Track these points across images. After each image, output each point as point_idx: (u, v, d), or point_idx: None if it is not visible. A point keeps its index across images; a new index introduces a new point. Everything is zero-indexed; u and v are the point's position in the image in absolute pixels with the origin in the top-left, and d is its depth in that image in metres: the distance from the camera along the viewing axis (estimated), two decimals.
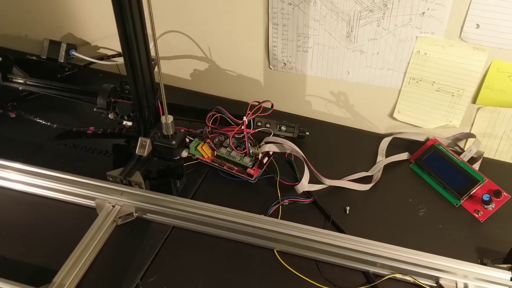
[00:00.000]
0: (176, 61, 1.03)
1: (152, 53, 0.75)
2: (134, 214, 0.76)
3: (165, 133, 0.80)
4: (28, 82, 0.95)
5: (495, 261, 0.69)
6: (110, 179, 0.79)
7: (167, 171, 0.84)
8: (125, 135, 0.91)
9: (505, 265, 0.67)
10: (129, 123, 0.86)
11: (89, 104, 0.91)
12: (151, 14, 0.67)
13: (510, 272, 0.66)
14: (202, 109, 0.89)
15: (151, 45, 0.75)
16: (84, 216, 0.75)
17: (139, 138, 0.82)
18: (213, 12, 0.93)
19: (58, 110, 0.97)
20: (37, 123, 0.91)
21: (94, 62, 1.03)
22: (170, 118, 0.78)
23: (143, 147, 0.82)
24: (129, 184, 0.78)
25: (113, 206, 0.75)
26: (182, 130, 0.83)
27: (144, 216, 0.76)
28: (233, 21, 0.92)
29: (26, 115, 0.92)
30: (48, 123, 0.91)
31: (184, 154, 0.83)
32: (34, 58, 1.03)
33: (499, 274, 0.66)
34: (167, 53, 1.02)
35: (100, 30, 1.05)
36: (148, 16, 0.68)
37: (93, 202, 0.76)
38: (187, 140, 0.86)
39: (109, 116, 0.86)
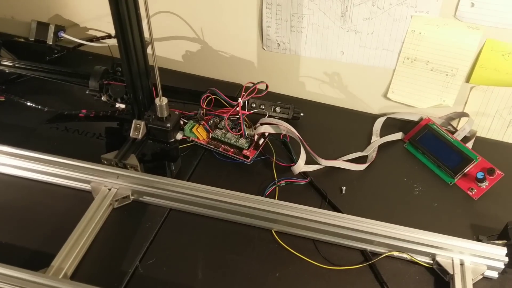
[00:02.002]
0: (168, 43, 1.01)
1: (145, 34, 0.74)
2: (131, 197, 0.75)
3: (159, 116, 0.79)
4: (17, 65, 0.93)
5: (490, 238, 0.70)
6: (105, 162, 0.78)
7: (162, 154, 0.83)
8: (118, 118, 0.90)
9: (500, 241, 0.69)
10: (122, 106, 0.85)
11: (80, 87, 0.89)
12: None
13: (505, 248, 0.67)
14: (196, 91, 0.88)
15: (144, 25, 0.73)
16: (80, 199, 0.75)
17: (133, 121, 0.81)
18: None
19: (49, 93, 0.95)
20: (28, 106, 0.90)
21: (84, 44, 1.01)
22: (165, 100, 0.77)
23: (138, 129, 0.81)
24: (124, 167, 0.77)
25: (109, 189, 0.75)
26: (177, 112, 0.82)
27: (140, 198, 0.76)
28: (226, 1, 0.91)
29: (16, 99, 0.91)
30: (39, 107, 0.89)
31: (179, 136, 0.83)
32: (22, 40, 1.00)
33: (495, 250, 0.67)
34: (158, 35, 1.00)
35: (89, 11, 1.03)
36: None
37: (89, 185, 0.75)
38: (181, 122, 0.85)
39: (102, 98, 0.85)
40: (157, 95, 0.77)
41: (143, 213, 0.75)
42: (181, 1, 0.94)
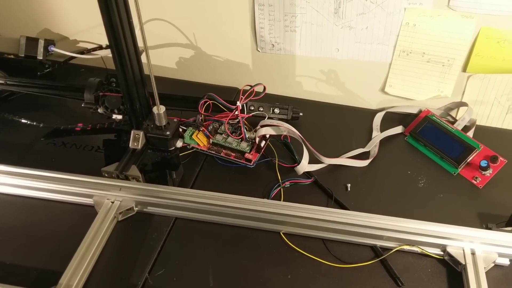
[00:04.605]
0: (160, 50, 1.01)
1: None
2: (135, 208, 0.74)
3: (158, 124, 0.78)
4: (8, 82, 0.91)
5: (499, 225, 0.70)
6: (106, 175, 0.77)
7: (164, 163, 0.82)
8: (115, 129, 0.89)
9: (509, 228, 0.68)
10: (119, 117, 0.84)
11: (74, 100, 0.88)
12: (137, 1, 0.65)
13: None
14: (193, 97, 0.87)
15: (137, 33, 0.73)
16: (83, 214, 0.74)
17: (132, 131, 0.80)
18: None
19: (43, 108, 0.94)
20: (23, 123, 0.88)
21: (75, 57, 0.99)
22: (162, 109, 0.77)
23: (137, 140, 0.80)
24: (126, 178, 0.76)
25: (112, 202, 0.74)
26: (175, 120, 0.81)
27: (145, 209, 0.75)
28: (217, 5, 0.91)
29: (10, 116, 0.89)
30: (34, 123, 0.88)
31: (179, 144, 0.82)
32: (12, 57, 0.99)
33: (505, 237, 0.67)
34: (150, 43, 0.99)
35: (78, 24, 1.02)
36: (134, 3, 0.65)
37: (91, 199, 0.74)
38: (180, 130, 0.84)
39: (99, 110, 0.84)
40: (154, 104, 0.76)
41: (149, 224, 0.73)
42: (171, 7, 0.93)
